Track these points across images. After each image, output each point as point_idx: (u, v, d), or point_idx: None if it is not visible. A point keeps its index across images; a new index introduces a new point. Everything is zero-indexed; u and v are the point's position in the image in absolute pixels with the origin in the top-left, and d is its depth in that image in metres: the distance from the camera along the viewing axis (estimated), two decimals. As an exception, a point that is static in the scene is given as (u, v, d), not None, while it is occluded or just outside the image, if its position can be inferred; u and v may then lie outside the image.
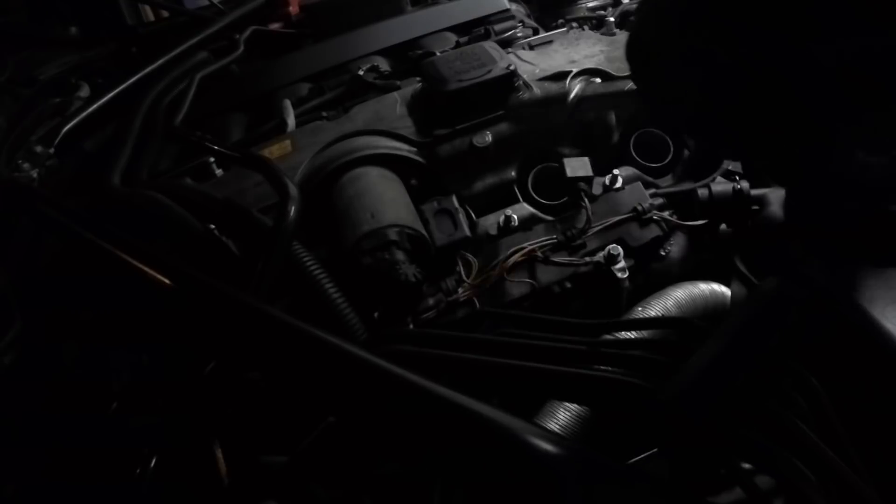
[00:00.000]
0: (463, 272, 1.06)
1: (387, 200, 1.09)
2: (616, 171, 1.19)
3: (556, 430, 0.80)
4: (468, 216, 1.16)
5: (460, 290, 1.05)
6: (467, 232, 1.10)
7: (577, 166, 1.13)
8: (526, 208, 1.18)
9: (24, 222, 1.14)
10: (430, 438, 0.53)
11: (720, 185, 1.04)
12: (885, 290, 0.71)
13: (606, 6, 1.67)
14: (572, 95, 1.25)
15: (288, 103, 1.38)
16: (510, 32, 1.58)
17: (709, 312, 0.99)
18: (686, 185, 1.19)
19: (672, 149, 1.27)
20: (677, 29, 0.65)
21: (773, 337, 0.56)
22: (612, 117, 1.25)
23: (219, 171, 1.23)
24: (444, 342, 0.73)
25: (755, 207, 0.99)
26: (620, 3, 1.67)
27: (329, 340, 0.61)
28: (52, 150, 1.29)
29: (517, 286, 1.07)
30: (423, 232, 1.07)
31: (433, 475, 0.68)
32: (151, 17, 2.12)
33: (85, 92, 1.52)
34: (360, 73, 1.43)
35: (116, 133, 1.37)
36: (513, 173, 1.22)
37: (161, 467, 0.84)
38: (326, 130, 1.26)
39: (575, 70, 1.28)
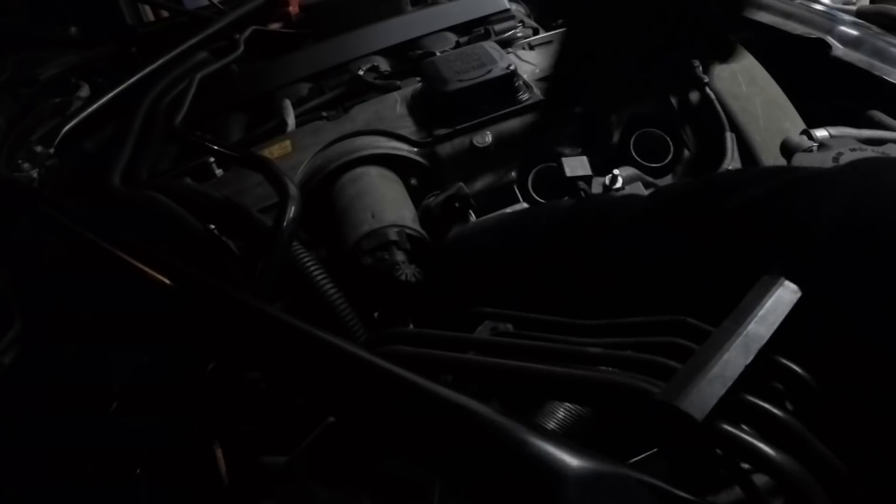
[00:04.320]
0: None
1: (387, 200, 1.09)
2: (616, 171, 1.19)
3: (555, 430, 0.80)
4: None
5: None
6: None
7: (576, 166, 1.13)
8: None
9: (24, 222, 1.14)
10: (429, 439, 0.53)
11: (720, 186, 1.04)
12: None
13: (606, 6, 1.67)
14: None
15: (288, 103, 1.38)
16: (510, 32, 1.57)
17: (709, 312, 0.99)
18: (686, 186, 1.19)
19: (672, 149, 1.27)
20: None
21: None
22: (613, 117, 1.25)
23: (219, 171, 1.23)
24: (444, 342, 0.73)
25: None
26: (620, 3, 1.67)
27: (329, 340, 0.61)
28: (52, 150, 1.29)
29: (517, 286, 1.07)
30: (423, 232, 1.07)
31: (433, 475, 0.68)
32: (151, 17, 2.12)
33: (85, 92, 1.52)
34: (360, 73, 1.43)
35: (116, 133, 1.37)
36: (513, 173, 1.22)
37: (161, 467, 0.84)
38: (326, 130, 1.26)
39: (575, 70, 1.28)
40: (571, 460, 0.46)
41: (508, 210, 1.15)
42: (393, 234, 1.02)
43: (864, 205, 0.56)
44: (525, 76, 1.27)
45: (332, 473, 0.79)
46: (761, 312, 0.58)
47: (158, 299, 0.79)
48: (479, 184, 1.21)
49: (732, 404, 0.51)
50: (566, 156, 1.19)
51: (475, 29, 1.59)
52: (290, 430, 0.83)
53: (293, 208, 0.96)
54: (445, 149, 1.20)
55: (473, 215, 1.11)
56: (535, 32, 1.60)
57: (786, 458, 0.46)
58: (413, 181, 1.21)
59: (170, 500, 0.86)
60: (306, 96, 1.47)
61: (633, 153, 1.26)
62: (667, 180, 1.26)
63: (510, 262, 0.92)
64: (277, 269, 0.91)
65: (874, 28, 1.37)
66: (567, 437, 0.79)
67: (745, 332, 0.56)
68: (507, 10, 1.64)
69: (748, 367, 0.53)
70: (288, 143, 1.25)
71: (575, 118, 1.25)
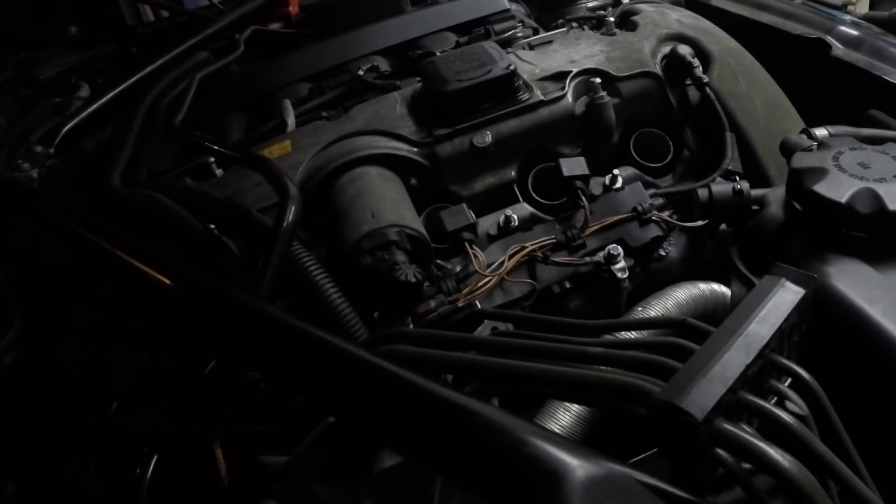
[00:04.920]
0: (473, 265, 1.06)
1: (387, 200, 1.09)
2: (616, 171, 1.19)
3: (556, 430, 0.80)
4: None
5: (461, 298, 1.04)
6: (474, 217, 1.10)
7: (573, 165, 1.13)
8: (526, 208, 1.18)
9: (24, 222, 1.14)
10: (430, 438, 0.53)
11: (720, 186, 1.04)
12: (886, 290, 0.72)
13: (606, 6, 1.67)
14: (571, 96, 1.25)
15: (288, 103, 1.38)
16: (510, 32, 1.57)
17: (709, 312, 0.99)
18: (686, 186, 1.19)
19: (672, 149, 1.27)
20: None
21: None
22: (613, 117, 1.25)
23: (219, 171, 1.23)
24: (444, 342, 0.73)
25: (755, 207, 0.99)
26: (620, 3, 1.67)
27: (329, 340, 0.61)
28: (52, 150, 1.29)
29: (517, 286, 1.07)
30: (424, 232, 1.07)
31: (433, 475, 0.68)
32: (151, 17, 2.13)
33: (85, 92, 1.52)
34: (360, 73, 1.43)
35: (116, 133, 1.37)
36: (513, 173, 1.22)
37: (161, 467, 0.84)
38: (326, 130, 1.26)
39: (575, 70, 1.28)
40: (572, 460, 0.46)
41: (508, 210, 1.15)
42: (393, 234, 1.01)
43: None
44: (525, 76, 1.27)
45: (332, 473, 0.79)
46: (761, 312, 0.58)
47: (158, 299, 0.79)
48: (479, 184, 1.21)
49: (732, 403, 0.51)
50: (565, 156, 1.19)
51: (475, 29, 1.59)
52: (290, 430, 0.83)
53: (293, 208, 0.96)
54: (445, 149, 1.20)
55: None
56: (535, 32, 1.60)
57: (786, 457, 0.46)
58: (413, 181, 1.21)
59: (170, 500, 0.85)
60: (306, 96, 1.47)
61: (633, 153, 1.26)
62: (667, 180, 1.26)
63: None
64: (277, 269, 0.91)
65: (874, 28, 1.37)
66: (567, 436, 0.79)
67: (745, 332, 0.56)
68: (507, 10, 1.64)
69: (748, 367, 0.53)
70: (288, 143, 1.25)
71: (575, 118, 1.25)
